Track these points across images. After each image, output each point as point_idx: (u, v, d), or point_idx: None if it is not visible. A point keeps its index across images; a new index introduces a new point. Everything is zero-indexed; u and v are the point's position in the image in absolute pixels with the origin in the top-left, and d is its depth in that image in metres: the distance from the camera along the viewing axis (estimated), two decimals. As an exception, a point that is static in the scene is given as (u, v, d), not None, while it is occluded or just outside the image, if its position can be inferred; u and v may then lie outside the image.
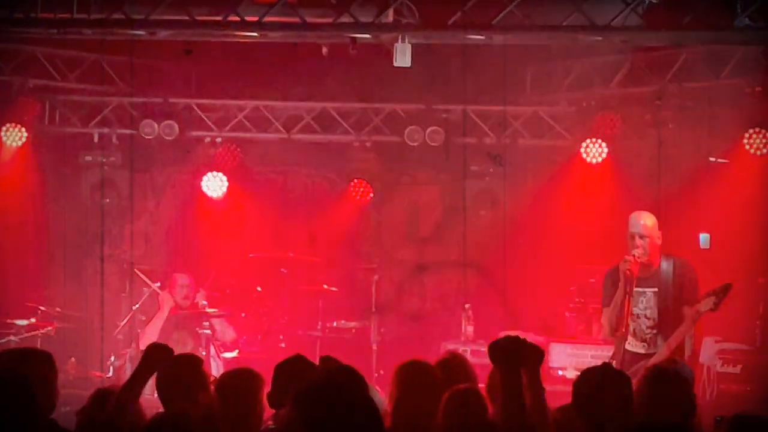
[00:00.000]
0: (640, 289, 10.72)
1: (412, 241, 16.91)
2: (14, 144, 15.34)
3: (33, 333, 14.09)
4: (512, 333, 6.68)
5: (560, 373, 12.90)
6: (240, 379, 7.13)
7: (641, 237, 10.65)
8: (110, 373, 14.11)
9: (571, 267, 14.20)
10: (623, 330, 10.69)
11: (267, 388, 7.03)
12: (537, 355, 6.24)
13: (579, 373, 6.70)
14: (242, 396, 6.95)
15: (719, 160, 13.93)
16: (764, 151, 13.43)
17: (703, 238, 13.25)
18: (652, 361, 9.88)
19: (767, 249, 12.87)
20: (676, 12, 10.92)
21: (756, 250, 12.91)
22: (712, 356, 12.81)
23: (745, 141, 13.52)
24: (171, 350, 6.85)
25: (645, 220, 10.74)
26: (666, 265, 10.72)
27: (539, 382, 6.26)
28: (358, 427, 4.57)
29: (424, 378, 7.13)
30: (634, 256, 10.57)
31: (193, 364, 7.22)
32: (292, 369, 7.02)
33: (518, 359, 6.06)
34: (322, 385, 4.82)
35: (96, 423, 6.56)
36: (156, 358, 6.73)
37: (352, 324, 15.68)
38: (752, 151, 13.49)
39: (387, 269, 16.33)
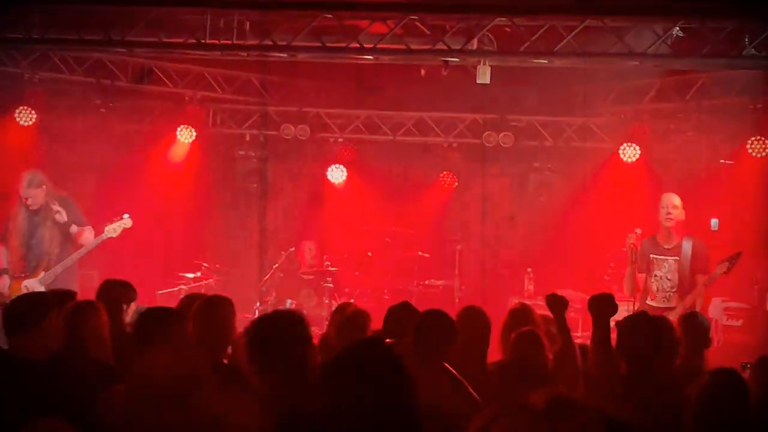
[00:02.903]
0: (663, 257, 10.76)
1: (486, 220, 16.77)
2: (186, 141, 15.51)
3: (198, 284, 14.22)
4: (563, 292, 6.61)
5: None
6: (355, 315, 7.19)
7: (674, 207, 10.77)
8: (256, 315, 14.15)
9: (608, 240, 13.95)
10: (641, 289, 10.75)
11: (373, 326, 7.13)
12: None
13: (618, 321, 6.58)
14: (354, 328, 7.00)
15: (727, 161, 13.72)
16: (763, 154, 13.20)
17: (714, 222, 13.02)
18: (675, 313, 9.75)
19: (763, 230, 12.64)
20: (698, 43, 10.70)
21: (754, 231, 12.71)
22: (720, 312, 12.62)
23: (748, 146, 13.27)
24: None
25: (674, 199, 10.88)
26: (687, 242, 10.76)
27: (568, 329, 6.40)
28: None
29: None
30: (636, 233, 10.75)
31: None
32: (400, 311, 7.10)
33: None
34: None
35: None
36: None
37: (440, 282, 15.62)
38: (754, 154, 13.27)
39: (467, 241, 16.21)
